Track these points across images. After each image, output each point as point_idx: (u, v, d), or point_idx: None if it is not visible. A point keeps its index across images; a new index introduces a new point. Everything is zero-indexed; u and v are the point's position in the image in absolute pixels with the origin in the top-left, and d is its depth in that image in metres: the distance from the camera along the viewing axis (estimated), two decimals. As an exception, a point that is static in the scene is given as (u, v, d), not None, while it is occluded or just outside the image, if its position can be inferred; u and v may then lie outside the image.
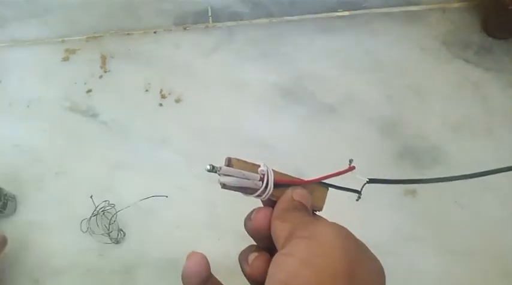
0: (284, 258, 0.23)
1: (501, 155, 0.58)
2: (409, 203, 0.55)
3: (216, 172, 0.25)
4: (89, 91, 0.64)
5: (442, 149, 0.59)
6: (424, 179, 0.31)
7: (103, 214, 0.54)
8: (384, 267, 0.24)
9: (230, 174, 0.25)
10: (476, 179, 0.29)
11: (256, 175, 0.26)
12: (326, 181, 0.29)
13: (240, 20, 0.70)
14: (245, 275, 0.26)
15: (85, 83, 0.65)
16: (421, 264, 0.52)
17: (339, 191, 0.30)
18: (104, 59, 0.67)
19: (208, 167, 0.25)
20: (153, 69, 0.66)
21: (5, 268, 0.52)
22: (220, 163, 0.26)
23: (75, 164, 0.59)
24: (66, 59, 0.67)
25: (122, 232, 0.53)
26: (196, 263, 0.25)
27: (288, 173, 0.28)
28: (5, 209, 0.54)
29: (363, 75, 0.65)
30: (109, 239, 0.53)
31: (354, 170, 0.29)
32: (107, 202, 0.54)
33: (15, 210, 0.56)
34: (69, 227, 0.54)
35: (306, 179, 0.28)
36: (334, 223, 0.25)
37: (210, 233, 0.53)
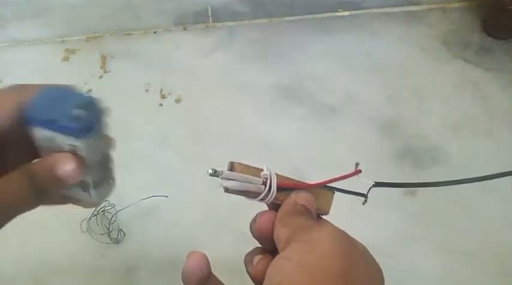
0: (282, 261, 0.23)
1: (501, 155, 0.58)
2: (409, 203, 0.55)
3: (218, 176, 0.25)
4: (89, 91, 0.64)
5: (442, 149, 0.58)
6: (430, 182, 0.31)
7: (103, 213, 0.54)
8: (383, 267, 0.24)
9: (233, 178, 0.25)
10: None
11: (258, 179, 0.26)
12: (331, 184, 0.29)
13: (240, 20, 0.70)
14: (250, 276, 0.27)
15: (85, 83, 0.65)
16: (421, 264, 0.51)
17: (338, 192, 0.30)
18: (104, 59, 0.67)
19: (211, 171, 0.25)
20: (153, 69, 0.66)
21: (5, 268, 0.52)
22: (220, 163, 0.26)
23: (75, 164, 0.59)
24: (66, 59, 0.67)
25: (122, 232, 0.53)
26: (197, 261, 0.25)
27: (291, 176, 0.28)
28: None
29: (363, 75, 0.65)
30: (109, 239, 0.53)
31: (360, 174, 0.29)
32: (107, 201, 0.54)
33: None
34: (69, 227, 0.54)
35: (311, 182, 0.28)
36: (334, 227, 0.25)
37: (210, 233, 0.53)
